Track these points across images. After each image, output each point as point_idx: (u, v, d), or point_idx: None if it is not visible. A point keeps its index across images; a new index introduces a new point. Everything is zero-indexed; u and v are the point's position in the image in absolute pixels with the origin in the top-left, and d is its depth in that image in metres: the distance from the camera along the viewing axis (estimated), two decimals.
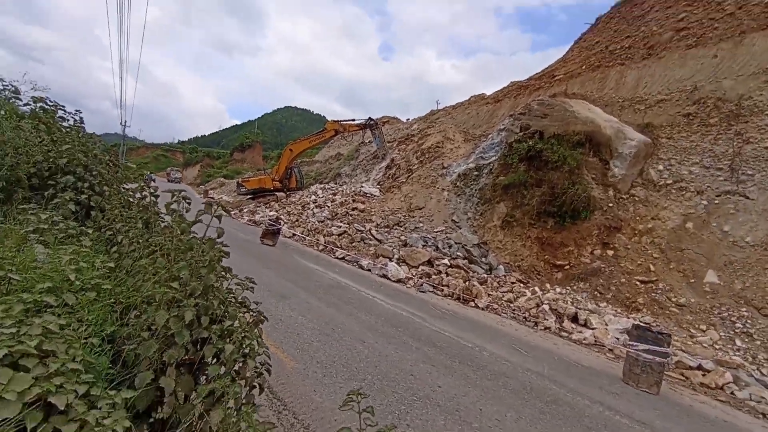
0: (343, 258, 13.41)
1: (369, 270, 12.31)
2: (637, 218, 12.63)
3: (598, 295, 11.34)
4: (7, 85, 4.45)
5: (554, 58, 23.72)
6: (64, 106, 4.67)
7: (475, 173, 16.62)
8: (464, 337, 7.15)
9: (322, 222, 16.88)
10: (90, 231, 3.31)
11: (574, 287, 11.95)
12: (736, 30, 14.62)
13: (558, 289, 11.94)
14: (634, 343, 6.72)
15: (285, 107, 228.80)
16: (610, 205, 13.06)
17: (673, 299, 10.36)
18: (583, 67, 18.75)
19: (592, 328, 9.59)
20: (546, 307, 10.26)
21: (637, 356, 6.41)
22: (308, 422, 3.35)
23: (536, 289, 11.65)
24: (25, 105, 4.54)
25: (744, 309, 9.54)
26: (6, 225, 2.98)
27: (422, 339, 6.45)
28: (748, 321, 9.23)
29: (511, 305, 10.75)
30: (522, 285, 12.18)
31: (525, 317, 10.06)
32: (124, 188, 4.57)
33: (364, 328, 6.34)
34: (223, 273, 2.36)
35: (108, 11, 16.24)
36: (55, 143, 3.98)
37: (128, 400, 1.38)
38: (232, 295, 2.43)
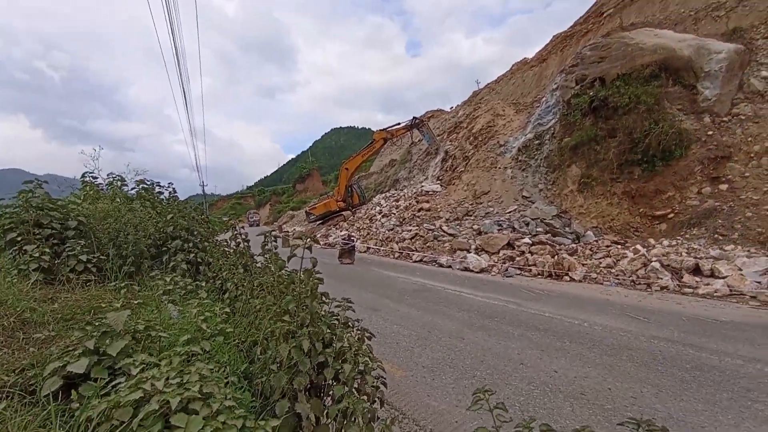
0: (420, 260, 13.44)
1: (449, 266, 12.17)
2: (750, 139, 10.71)
3: (721, 237, 9.79)
4: (116, 177, 5.34)
5: None
6: (159, 182, 5.45)
7: (536, 142, 15.57)
8: (567, 314, 6.68)
9: (391, 230, 17.13)
10: (203, 284, 3.79)
11: (686, 235, 10.49)
12: None
13: (666, 242, 10.57)
14: None
15: (332, 130, 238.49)
16: (710, 133, 11.26)
17: None
18: None
19: (723, 277, 8.31)
20: (656, 264, 9.14)
21: None
22: (430, 428, 3.38)
23: (638, 247, 10.44)
24: (132, 189, 5.40)
25: None
26: (143, 292, 3.53)
27: (522, 325, 6.16)
28: None
29: (613, 270, 9.79)
30: (620, 246, 11.03)
31: (633, 281, 9.09)
32: (217, 240, 5.16)
33: (459, 325, 6.25)
34: (323, 299, 2.52)
35: (173, 92, 18.85)
36: (160, 215, 4.66)
37: (275, 428, 1.53)
38: (335, 317, 2.57)
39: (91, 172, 5.18)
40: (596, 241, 11.53)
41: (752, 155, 10.53)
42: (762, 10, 12.29)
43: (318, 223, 26.25)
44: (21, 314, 2.38)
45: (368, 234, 18.64)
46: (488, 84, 26.93)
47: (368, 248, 17.01)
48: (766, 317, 6.03)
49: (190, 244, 4.30)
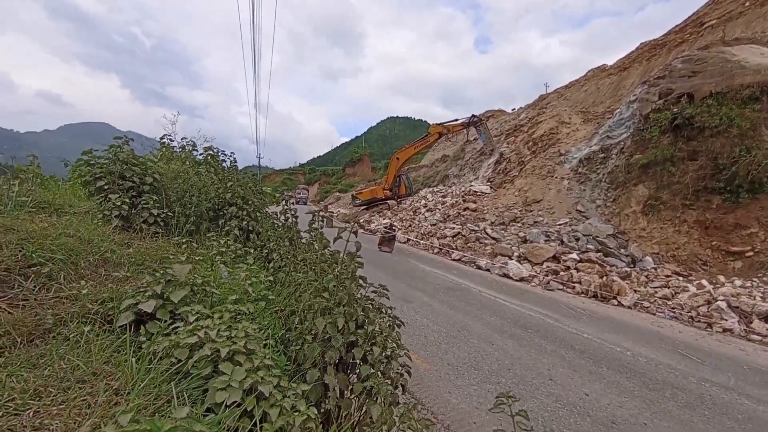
0: (459, 259, 13.25)
1: (488, 270, 11.88)
2: None
3: None
4: (188, 142, 5.83)
5: (699, 3, 19.11)
6: (224, 151, 5.87)
7: (601, 155, 14.52)
8: (608, 339, 6.29)
9: (434, 225, 17.01)
10: (252, 251, 4.07)
11: (765, 278, 9.35)
12: None
13: (738, 282, 9.50)
14: None
15: (388, 118, 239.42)
16: None
17: None
18: (746, 3, 14.66)
19: None
20: (722, 303, 8.27)
21: None
22: (448, 423, 3.42)
23: (703, 282, 9.50)
24: (200, 154, 5.87)
25: None
26: (200, 250, 3.87)
27: (557, 341, 5.92)
28: None
29: (669, 302, 9.01)
30: (681, 278, 10.09)
31: (692, 317, 8.30)
32: (267, 211, 5.48)
33: (490, 329, 6.14)
34: (360, 282, 2.62)
35: (245, 67, 19.96)
36: (222, 182, 5.05)
37: (305, 392, 1.66)
38: (369, 301, 2.67)
39: (169, 135, 5.70)
40: (654, 268, 10.64)
41: None
42: None
43: (362, 208, 26.71)
44: (103, 254, 2.73)
45: (410, 226, 18.66)
46: (557, 89, 25.41)
47: (408, 239, 17.07)
48: None
49: (244, 212, 4.62)
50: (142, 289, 1.97)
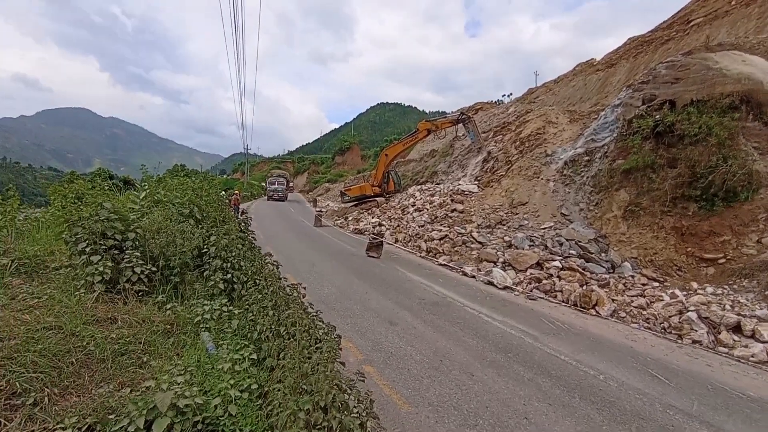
0: (445, 265, 13.51)
1: (473, 276, 12.16)
2: None
3: None
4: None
5: None
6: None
7: (586, 158, 14.74)
8: (584, 360, 6.61)
9: (422, 226, 17.20)
10: (235, 311, 4.16)
11: (735, 286, 9.80)
12: None
13: (710, 289, 9.93)
14: None
15: (378, 104, 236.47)
16: None
17: None
18: (732, 2, 14.73)
19: (763, 341, 7.78)
20: (692, 315, 8.67)
21: None
22: None
23: (676, 292, 9.90)
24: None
25: None
26: (183, 313, 3.95)
27: (535, 366, 6.20)
28: None
29: (644, 312, 9.40)
30: (657, 285, 10.50)
31: (664, 328, 8.71)
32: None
33: (471, 356, 6.39)
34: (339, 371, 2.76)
35: (227, 48, 19.53)
36: (206, 234, 5.10)
37: None
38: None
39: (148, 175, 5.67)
40: (632, 276, 11.02)
41: None
42: None
43: (351, 204, 26.75)
44: (86, 348, 2.81)
45: (398, 226, 18.82)
46: (546, 83, 25.43)
47: (396, 241, 17.27)
48: None
49: (228, 264, 4.70)
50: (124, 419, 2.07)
